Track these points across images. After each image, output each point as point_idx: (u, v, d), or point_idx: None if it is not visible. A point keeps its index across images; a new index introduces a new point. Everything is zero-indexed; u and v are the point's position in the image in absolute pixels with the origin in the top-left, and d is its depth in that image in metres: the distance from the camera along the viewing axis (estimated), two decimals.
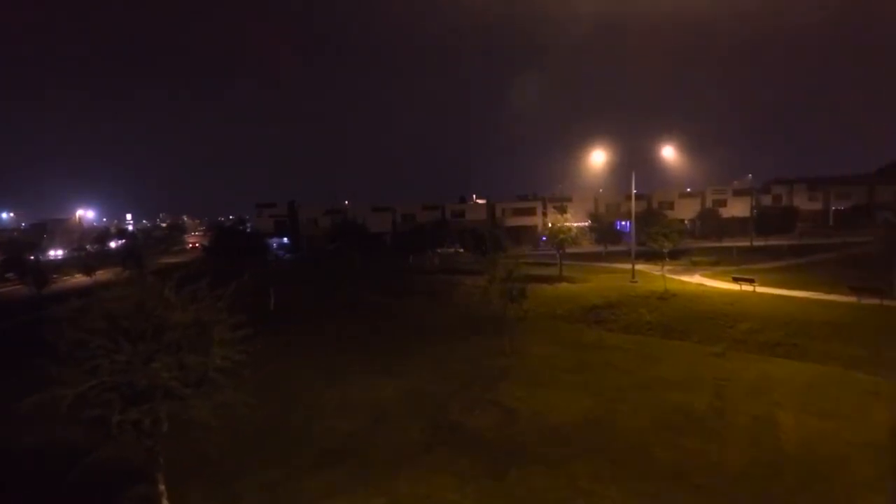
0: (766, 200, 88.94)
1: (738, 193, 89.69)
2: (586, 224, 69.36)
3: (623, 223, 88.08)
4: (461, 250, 63.03)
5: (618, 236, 70.86)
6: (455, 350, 23.84)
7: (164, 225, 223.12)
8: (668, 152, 52.53)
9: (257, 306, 37.95)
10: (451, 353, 23.48)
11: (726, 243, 65.47)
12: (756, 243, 64.74)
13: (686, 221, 76.78)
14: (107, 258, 68.10)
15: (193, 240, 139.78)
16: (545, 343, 24.65)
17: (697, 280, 44.22)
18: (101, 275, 57.10)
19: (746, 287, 37.56)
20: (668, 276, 43.84)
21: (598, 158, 52.47)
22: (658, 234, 54.92)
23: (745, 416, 15.49)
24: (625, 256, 61.02)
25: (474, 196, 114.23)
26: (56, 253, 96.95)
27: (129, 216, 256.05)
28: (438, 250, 66.14)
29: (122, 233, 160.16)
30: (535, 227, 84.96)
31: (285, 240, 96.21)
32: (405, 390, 18.71)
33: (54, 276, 62.47)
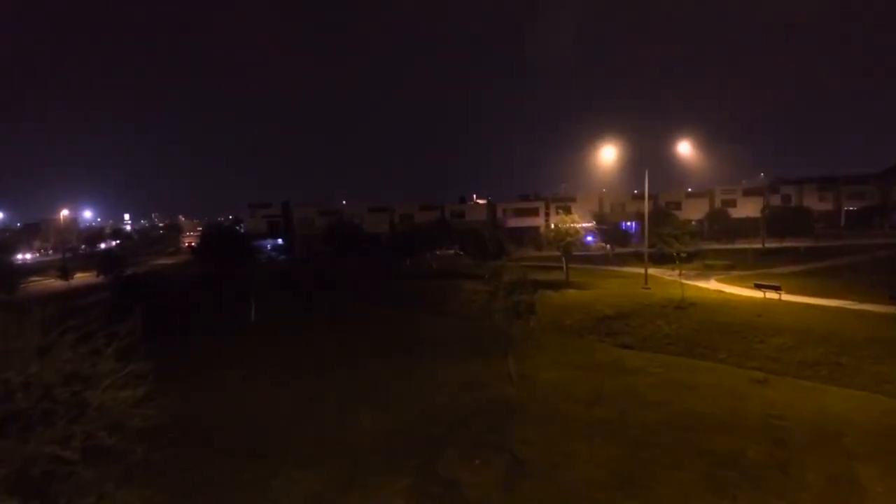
0: (775, 200, 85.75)
1: (747, 193, 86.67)
2: (591, 224, 66.29)
3: (628, 224, 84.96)
4: (461, 253, 59.81)
5: (626, 238, 67.59)
6: (452, 373, 20.59)
7: (161, 225, 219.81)
8: (675, 151, 49.44)
9: (238, 316, 34.93)
10: (447, 376, 20.26)
11: (738, 245, 62.23)
12: (769, 245, 61.50)
13: (693, 222, 73.53)
14: (92, 260, 64.92)
15: (190, 240, 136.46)
16: (556, 364, 21.44)
17: (714, 286, 41.05)
18: (81, 278, 54.19)
19: (771, 295, 34.40)
20: (683, 281, 40.61)
21: (602, 157, 49.40)
22: (669, 237, 51.81)
23: (816, 474, 12.32)
24: (633, 259, 57.85)
25: (475, 196, 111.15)
26: (25, 256, 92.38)
27: (126, 216, 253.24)
28: (437, 252, 62.95)
29: (116, 233, 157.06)
30: (538, 228, 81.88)
31: (280, 241, 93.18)
32: (390, 427, 15.51)
33: (30, 279, 59.71)
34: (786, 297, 33.91)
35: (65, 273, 51.72)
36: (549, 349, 23.83)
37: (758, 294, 35.46)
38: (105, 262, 45.70)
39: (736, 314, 29.99)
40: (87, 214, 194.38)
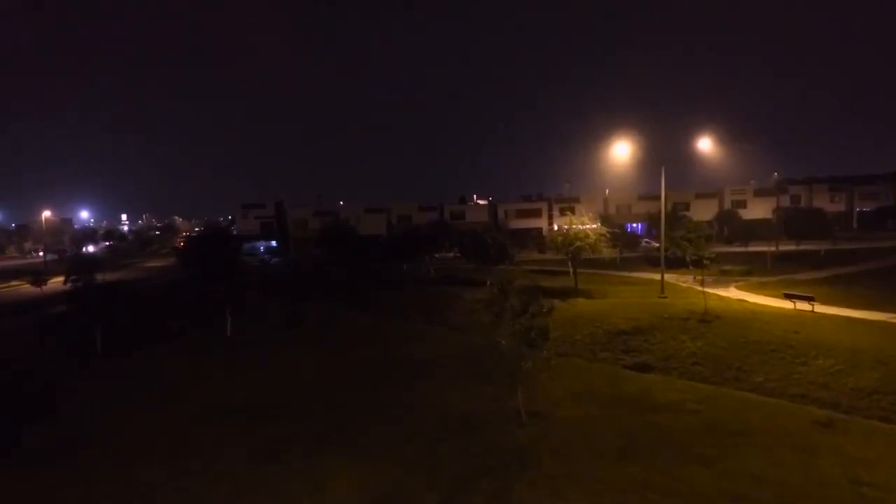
0: (784, 201, 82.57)
1: (758, 194, 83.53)
2: (597, 225, 62.90)
3: (634, 226, 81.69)
4: (459, 256, 56.38)
5: (635, 241, 64.32)
6: (448, 409, 17.19)
7: (159, 226, 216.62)
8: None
9: (214, 328, 31.61)
10: (444, 411, 16.89)
11: (752, 248, 58.85)
12: (784, 248, 58.00)
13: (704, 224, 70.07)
14: (75, 264, 61.49)
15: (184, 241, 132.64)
16: (572, 396, 18.08)
17: (735, 294, 37.85)
18: (57, 283, 50.85)
19: (802, 306, 31.22)
20: (699, 288, 37.40)
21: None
22: (683, 240, 48.48)
23: None
24: (642, 264, 54.59)
25: (475, 196, 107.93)
26: None
27: (124, 216, 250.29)
28: (436, 255, 59.54)
29: (109, 234, 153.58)
30: (541, 229, 78.72)
31: (273, 243, 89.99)
32: (366, 492, 12.19)
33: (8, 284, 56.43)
34: (819, 308, 30.75)
35: (38, 278, 48.31)
36: (563, 374, 20.49)
37: (787, 305, 32.28)
38: (76, 266, 42.13)
39: (769, 329, 26.78)
40: (84, 215, 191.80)
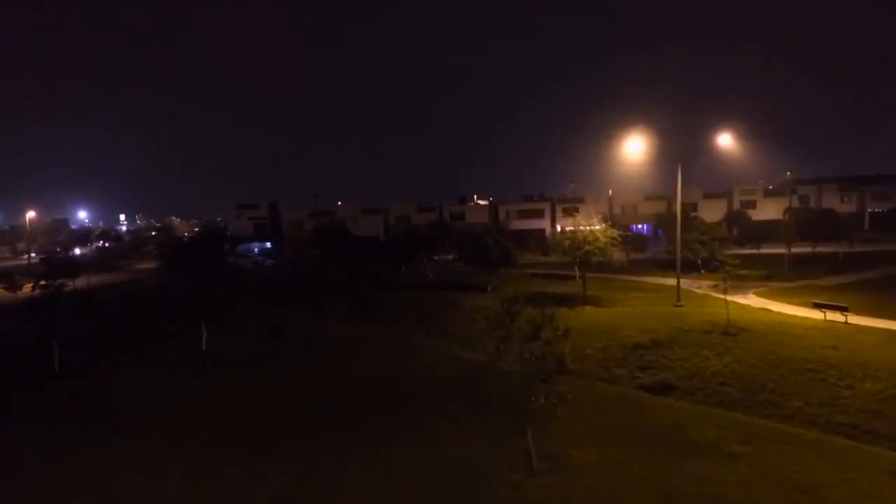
0: (793, 202, 79.81)
1: (768, 194, 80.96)
2: (605, 227, 60.11)
3: (639, 227, 79.06)
4: (457, 259, 53.61)
5: (642, 243, 61.59)
6: (442, 450, 14.22)
7: (158, 226, 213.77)
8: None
9: (191, 341, 28.81)
10: (433, 457, 13.79)
11: (764, 250, 55.94)
12: (797, 250, 54.95)
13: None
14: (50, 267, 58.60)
15: None
16: (591, 433, 15.19)
17: (756, 302, 35.09)
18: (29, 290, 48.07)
19: (833, 316, 28.45)
20: (716, 295, 34.71)
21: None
22: (695, 242, 45.85)
23: None
24: (651, 268, 51.93)
25: (475, 197, 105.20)
26: None
27: (122, 217, 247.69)
28: (435, 258, 56.82)
29: (104, 234, 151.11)
30: (543, 230, 76.08)
31: (268, 244, 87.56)
32: None
33: None
34: (852, 318, 27.99)
35: (12, 283, 45.48)
36: (578, 401, 17.65)
37: (814, 314, 29.53)
38: (50, 270, 39.39)
39: (802, 344, 24.05)
40: (82, 215, 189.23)
